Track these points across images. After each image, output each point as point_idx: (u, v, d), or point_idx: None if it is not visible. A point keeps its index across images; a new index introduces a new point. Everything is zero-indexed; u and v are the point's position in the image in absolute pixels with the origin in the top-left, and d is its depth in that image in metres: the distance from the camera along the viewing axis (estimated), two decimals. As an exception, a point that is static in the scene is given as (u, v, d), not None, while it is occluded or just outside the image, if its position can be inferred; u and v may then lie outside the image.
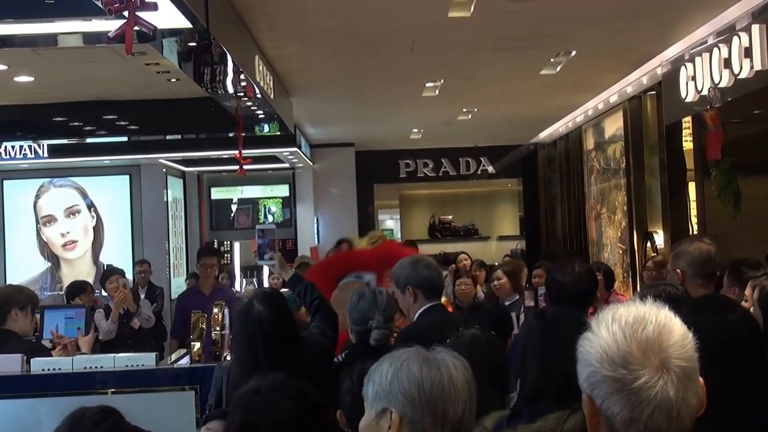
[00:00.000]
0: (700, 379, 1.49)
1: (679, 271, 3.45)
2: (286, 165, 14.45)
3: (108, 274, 7.87)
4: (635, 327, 1.45)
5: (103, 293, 8.14)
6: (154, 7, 3.08)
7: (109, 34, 3.20)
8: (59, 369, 4.20)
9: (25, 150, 10.90)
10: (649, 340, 1.44)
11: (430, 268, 3.99)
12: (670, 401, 1.42)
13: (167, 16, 4.14)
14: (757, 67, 5.83)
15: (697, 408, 1.46)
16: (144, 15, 3.09)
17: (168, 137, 11.36)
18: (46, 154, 10.99)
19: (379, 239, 5.62)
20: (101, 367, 4.22)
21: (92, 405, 2.17)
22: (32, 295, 5.16)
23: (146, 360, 4.29)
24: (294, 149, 12.37)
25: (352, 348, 3.66)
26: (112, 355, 4.42)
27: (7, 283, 11.87)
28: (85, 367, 4.22)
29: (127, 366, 4.24)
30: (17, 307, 4.76)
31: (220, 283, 8.16)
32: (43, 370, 4.20)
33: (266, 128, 9.80)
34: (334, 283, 4.79)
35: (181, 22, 4.41)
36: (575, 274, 3.72)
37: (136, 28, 3.07)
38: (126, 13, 3.05)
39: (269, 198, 15.49)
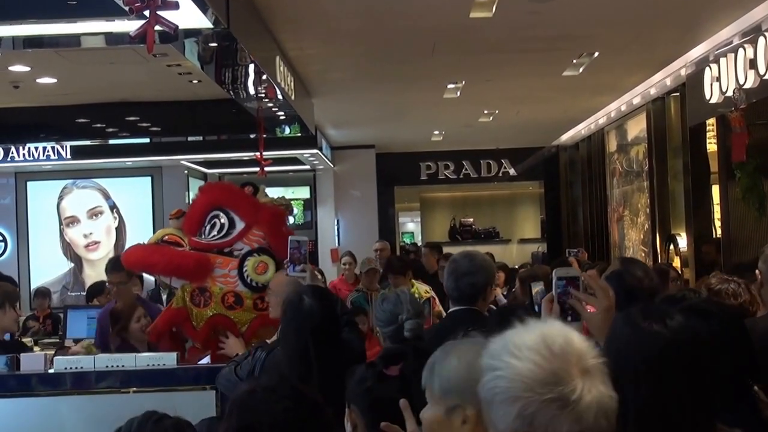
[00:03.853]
0: None
1: (758, 272, 3.34)
2: (307, 167, 14.48)
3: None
4: (546, 344, 1.43)
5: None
6: (175, 6, 3.08)
7: (130, 33, 3.21)
8: (81, 368, 4.21)
9: (48, 151, 10.99)
10: (564, 352, 1.42)
11: (463, 276, 3.87)
12: (604, 401, 1.42)
13: (188, 17, 4.15)
14: (783, 67, 5.78)
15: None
16: (165, 14, 3.10)
17: (190, 139, 11.42)
18: (69, 156, 11.07)
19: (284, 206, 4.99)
20: (123, 366, 4.22)
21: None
22: (8, 290, 5.09)
23: (167, 359, 4.29)
24: (315, 151, 12.39)
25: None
26: (134, 354, 4.43)
27: (32, 283, 12.00)
28: (106, 366, 4.22)
29: (148, 365, 4.24)
30: None
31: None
32: (66, 368, 4.21)
33: (287, 130, 9.83)
34: (202, 221, 4.68)
35: (203, 22, 4.42)
36: (650, 275, 3.52)
37: (157, 27, 3.08)
38: (147, 12, 3.06)
39: (290, 200, 15.51)
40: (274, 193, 15.34)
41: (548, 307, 2.24)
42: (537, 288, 4.40)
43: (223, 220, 4.54)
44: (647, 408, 1.82)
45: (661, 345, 1.84)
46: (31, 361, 4.27)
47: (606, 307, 2.28)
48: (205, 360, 4.53)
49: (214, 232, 4.54)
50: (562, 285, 2.25)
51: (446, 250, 10.05)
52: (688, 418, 1.81)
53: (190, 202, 5.11)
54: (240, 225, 4.52)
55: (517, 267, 9.75)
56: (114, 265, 6.06)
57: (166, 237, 4.72)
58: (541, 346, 1.42)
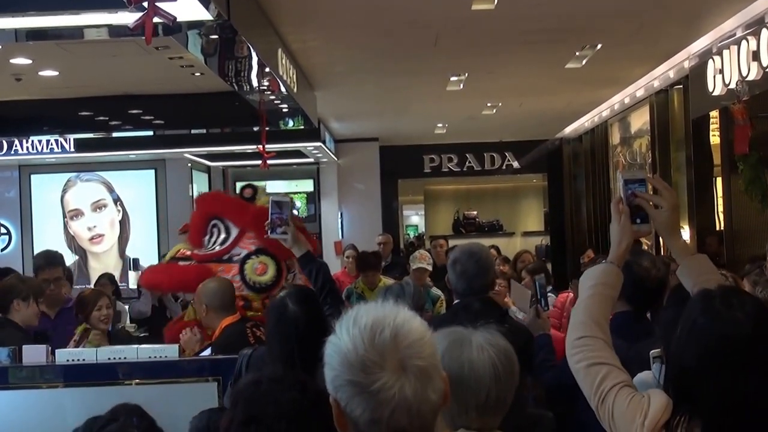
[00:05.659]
0: (443, 374, 1.52)
1: None
2: (311, 160, 14.47)
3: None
4: (373, 331, 1.47)
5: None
6: (173, -3, 3.08)
7: (129, 25, 3.21)
8: (83, 360, 4.22)
9: (51, 144, 11.01)
10: (385, 344, 1.46)
11: (463, 274, 3.88)
12: (408, 400, 1.45)
13: (189, 9, 4.15)
14: (786, 59, 5.76)
15: (438, 403, 1.49)
16: (164, 6, 3.10)
17: (193, 132, 11.43)
18: (72, 149, 11.09)
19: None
20: (125, 358, 4.24)
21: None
22: (35, 285, 5.15)
23: (169, 351, 4.30)
24: (318, 144, 12.39)
25: None
26: (135, 346, 4.44)
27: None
28: (109, 358, 4.24)
29: (150, 357, 4.25)
30: (19, 297, 4.83)
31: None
32: (68, 360, 4.22)
33: (291, 123, 9.83)
34: (203, 232, 4.73)
35: (203, 14, 4.42)
36: (657, 265, 3.51)
37: (156, 19, 3.08)
38: (146, 4, 3.06)
39: (294, 193, 15.52)
40: (277, 186, 15.32)
41: (617, 209, 2.27)
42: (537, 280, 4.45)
43: (221, 228, 4.62)
44: (728, 397, 1.83)
45: (748, 332, 1.84)
46: (33, 353, 4.28)
47: (672, 205, 2.32)
48: (207, 352, 4.54)
49: (213, 241, 4.62)
50: (630, 187, 2.25)
51: (450, 243, 10.02)
52: None
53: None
54: (235, 231, 4.60)
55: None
56: (50, 260, 5.77)
57: (179, 253, 4.82)
58: (366, 331, 1.48)
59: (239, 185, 15.50)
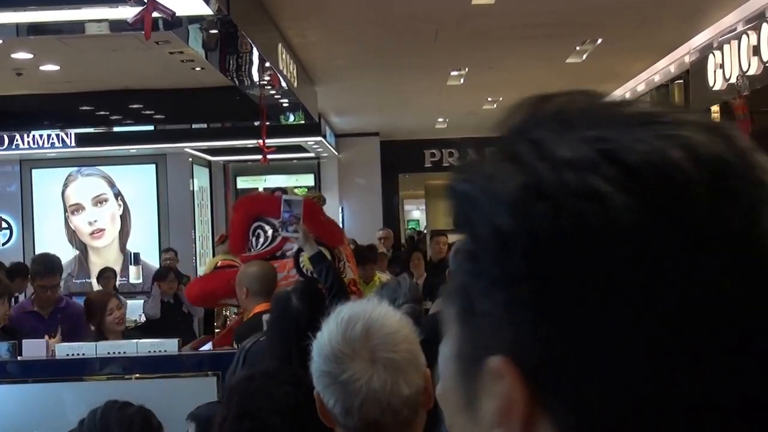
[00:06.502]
0: (425, 371, 1.54)
1: None
2: (312, 154, 14.47)
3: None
4: (348, 325, 1.53)
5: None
6: (173, -8, 3.08)
7: (128, 20, 3.22)
8: (83, 354, 4.24)
9: (52, 139, 11.02)
10: (356, 337, 1.52)
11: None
12: (377, 393, 1.48)
13: (189, 4, 4.15)
14: (787, 54, 5.76)
15: (415, 397, 1.51)
16: (164, 1, 3.10)
17: (194, 126, 11.43)
18: (73, 143, 11.09)
19: (316, 198, 5.31)
20: (125, 352, 4.25)
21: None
22: (7, 286, 5.06)
23: (168, 346, 4.32)
24: (319, 138, 12.38)
25: None
26: (135, 340, 4.46)
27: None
28: (108, 353, 4.25)
29: (150, 352, 4.27)
30: None
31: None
32: (68, 355, 4.24)
33: (291, 117, 9.83)
34: (245, 236, 4.76)
35: (203, 9, 4.41)
36: None
37: (156, 14, 3.08)
38: (146, -1, 3.07)
39: (294, 187, 15.51)
40: (278, 181, 15.29)
41: None
42: None
43: (265, 228, 4.64)
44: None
45: None
46: (33, 348, 4.30)
47: None
48: (207, 347, 4.56)
49: (262, 242, 4.64)
50: None
51: (451, 238, 10.01)
52: None
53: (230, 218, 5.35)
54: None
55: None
56: (49, 268, 5.60)
57: (219, 263, 4.83)
58: (342, 326, 1.54)
59: (240, 181, 15.41)
